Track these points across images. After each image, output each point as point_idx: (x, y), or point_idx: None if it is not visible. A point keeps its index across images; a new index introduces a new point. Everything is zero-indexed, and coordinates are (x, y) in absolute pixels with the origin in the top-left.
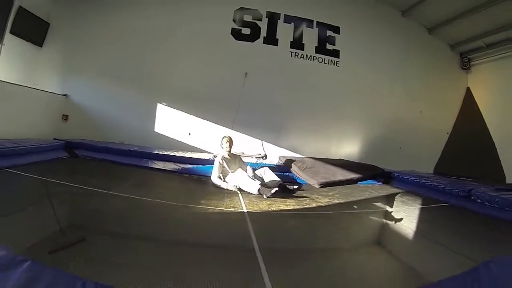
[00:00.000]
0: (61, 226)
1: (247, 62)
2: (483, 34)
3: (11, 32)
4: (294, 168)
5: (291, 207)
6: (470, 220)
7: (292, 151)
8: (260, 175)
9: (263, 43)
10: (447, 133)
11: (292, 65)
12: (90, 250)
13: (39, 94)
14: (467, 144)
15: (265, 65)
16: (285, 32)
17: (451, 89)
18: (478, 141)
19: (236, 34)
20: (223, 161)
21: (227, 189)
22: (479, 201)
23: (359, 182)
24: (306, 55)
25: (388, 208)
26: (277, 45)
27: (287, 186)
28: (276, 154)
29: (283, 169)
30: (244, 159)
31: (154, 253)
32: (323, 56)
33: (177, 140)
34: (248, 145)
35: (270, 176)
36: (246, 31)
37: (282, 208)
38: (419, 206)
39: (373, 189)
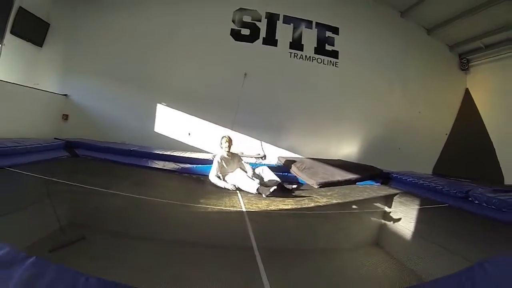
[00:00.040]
0: (61, 225)
1: (246, 63)
2: (482, 34)
3: (12, 32)
4: (293, 169)
5: (289, 207)
6: (467, 221)
7: (291, 152)
8: (259, 174)
9: (263, 43)
10: (446, 134)
11: (292, 65)
12: (90, 249)
13: (40, 94)
14: (466, 145)
15: (264, 65)
16: (284, 33)
17: (450, 90)
18: (477, 142)
19: (236, 35)
20: (222, 160)
21: (225, 188)
22: (476, 202)
23: (357, 183)
24: (305, 56)
25: (386, 209)
26: (276, 45)
27: (286, 185)
28: (275, 154)
29: (282, 169)
30: (243, 159)
31: (153, 252)
32: (322, 57)
33: (177, 140)
34: (247, 145)
35: (269, 175)
36: (245, 31)
37: (280, 207)
38: (417, 207)
39: (372, 189)
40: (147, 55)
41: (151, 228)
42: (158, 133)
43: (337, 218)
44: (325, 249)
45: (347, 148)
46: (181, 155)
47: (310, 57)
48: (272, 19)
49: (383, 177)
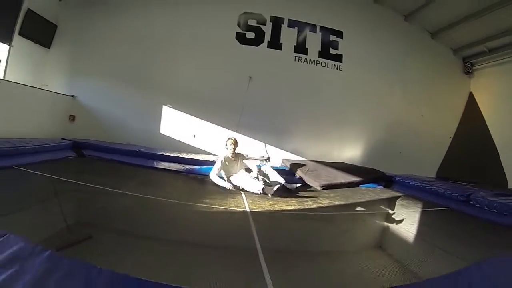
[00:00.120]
0: (68, 224)
1: (251, 66)
2: (486, 38)
3: (20, 34)
4: (297, 171)
5: (292, 208)
6: (469, 224)
7: (295, 154)
8: (264, 172)
9: (267, 47)
10: (450, 137)
11: (296, 69)
12: (97, 247)
13: (47, 95)
14: (469, 148)
15: (269, 69)
16: (289, 36)
17: (454, 94)
18: (481, 145)
19: (241, 38)
20: (226, 160)
21: (223, 187)
22: (478, 205)
23: (360, 185)
24: (310, 60)
25: (388, 211)
26: (281, 49)
27: (288, 186)
28: (279, 157)
29: (286, 172)
30: (247, 162)
31: (158, 251)
32: (326, 61)
33: (182, 142)
34: (251, 147)
35: (274, 174)
36: (250, 35)
37: (284, 208)
38: (419, 210)
39: (374, 192)
40: (153, 58)
41: (156, 227)
42: (163, 134)
43: (339, 219)
44: (326, 249)
45: (350, 151)
46: (187, 156)
47: (314, 60)
48: (277, 22)
49: (386, 180)
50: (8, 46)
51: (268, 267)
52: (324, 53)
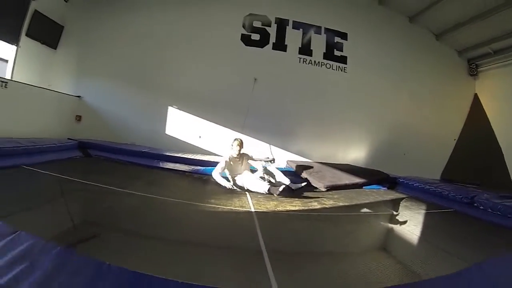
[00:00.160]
0: (77, 222)
1: (256, 68)
2: (491, 40)
3: (27, 35)
4: (301, 172)
5: (297, 208)
6: (472, 226)
7: (300, 156)
8: (270, 171)
9: (272, 49)
10: (455, 139)
11: (301, 71)
12: (103, 246)
13: (54, 95)
14: (474, 150)
15: (274, 71)
16: (293, 38)
17: (459, 96)
18: (486, 147)
19: (246, 40)
20: (230, 160)
21: (224, 186)
22: (482, 207)
23: (364, 187)
24: (314, 61)
25: (391, 212)
26: (286, 51)
27: (293, 186)
28: (284, 158)
29: (290, 173)
30: (253, 162)
31: (162, 250)
32: (331, 62)
33: (188, 143)
34: (256, 149)
35: (279, 175)
36: (255, 37)
37: (288, 208)
38: (422, 211)
39: (378, 194)
40: (159, 59)
41: (162, 227)
42: (169, 135)
43: (343, 220)
44: (331, 250)
45: (355, 153)
46: (192, 157)
47: (319, 62)
48: (281, 24)
49: (390, 182)
50: (16, 47)
51: (273, 267)
52: (328, 55)
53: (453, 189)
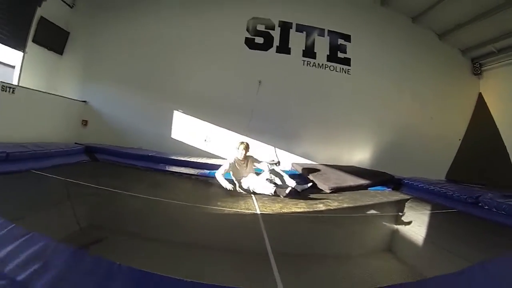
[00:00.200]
0: (85, 225)
1: (260, 71)
2: (494, 39)
3: (33, 41)
4: (306, 174)
5: (302, 210)
6: (477, 226)
7: (305, 158)
8: (278, 172)
9: (276, 52)
10: (459, 139)
11: (305, 73)
12: (110, 248)
13: (60, 100)
14: (479, 150)
15: (278, 73)
16: (297, 41)
17: (463, 95)
18: (491, 147)
19: (250, 43)
20: (235, 162)
21: (224, 187)
22: (486, 207)
23: (369, 188)
24: (318, 64)
25: (396, 213)
26: (289, 53)
27: (299, 188)
28: (289, 160)
29: (295, 176)
30: (258, 165)
31: (169, 252)
32: (335, 64)
33: (193, 146)
34: (261, 151)
35: (285, 177)
36: (259, 40)
37: (293, 210)
38: (426, 212)
39: (382, 195)
40: (164, 63)
41: (168, 229)
42: (175, 139)
43: (348, 221)
44: (336, 251)
45: (360, 155)
46: (198, 160)
47: (322, 64)
48: (285, 27)
49: (395, 183)
50: (22, 53)
51: (279, 269)
52: (332, 57)
53: (457, 189)
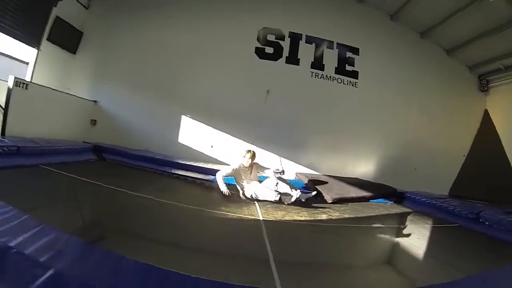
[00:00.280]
0: (90, 221)
1: (269, 80)
2: (502, 56)
3: (48, 39)
4: (309, 184)
5: (304, 218)
6: (477, 241)
7: (309, 168)
8: (283, 178)
9: (285, 62)
10: (464, 155)
11: (313, 85)
12: (114, 247)
13: (71, 99)
14: (483, 167)
15: (286, 84)
16: (306, 52)
17: (469, 111)
18: (495, 163)
19: (260, 53)
20: (240, 168)
21: (221, 190)
22: (487, 223)
23: (371, 200)
24: (326, 76)
25: (396, 226)
26: (298, 64)
27: (303, 198)
28: (293, 170)
29: (299, 186)
30: (263, 173)
31: (170, 254)
32: (343, 77)
33: (200, 152)
34: (267, 160)
35: (290, 186)
36: (269, 50)
37: (295, 218)
38: (426, 226)
39: (384, 207)
40: (175, 68)
41: (172, 231)
42: (181, 143)
43: (348, 232)
44: (336, 261)
45: (364, 167)
46: (204, 166)
47: (330, 76)
48: (295, 38)
49: (397, 196)
50: (37, 50)
51: (279, 275)
52: (340, 70)
53: (459, 205)
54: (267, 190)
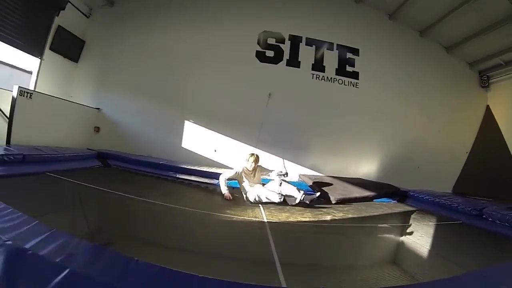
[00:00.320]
0: (97, 226)
1: (270, 83)
2: (501, 51)
3: (51, 48)
4: (312, 185)
5: (307, 219)
6: (480, 237)
7: (312, 170)
8: (287, 182)
9: (286, 65)
10: (466, 152)
11: (314, 86)
12: (123, 250)
13: (75, 107)
14: (487, 163)
15: (287, 86)
16: (307, 54)
17: (470, 108)
18: (498, 160)
19: (261, 57)
20: (243, 172)
21: (222, 192)
22: (490, 219)
23: (374, 200)
24: (327, 77)
25: (399, 224)
26: (299, 67)
27: (307, 200)
28: (296, 172)
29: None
30: (267, 176)
31: (176, 257)
32: (343, 78)
33: (203, 156)
34: (270, 162)
35: (293, 188)
36: (270, 53)
37: (299, 219)
38: (430, 223)
39: (387, 206)
40: (176, 74)
41: (177, 234)
42: (185, 148)
43: (352, 232)
44: (340, 260)
45: (367, 167)
46: (208, 170)
47: (331, 78)
48: (295, 41)
49: (400, 195)
50: (40, 60)
51: (285, 275)
52: (341, 71)
53: (462, 202)
54: (270, 192)
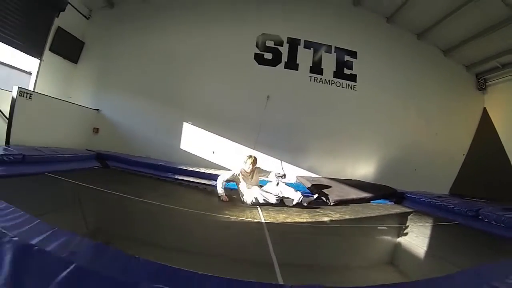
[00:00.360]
0: (96, 227)
1: (269, 86)
2: (498, 54)
3: (50, 49)
4: (310, 187)
5: (305, 220)
6: (476, 238)
7: (310, 171)
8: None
9: (284, 67)
10: (463, 154)
11: (312, 89)
12: (122, 249)
13: (74, 108)
14: (483, 165)
15: (286, 89)
16: (305, 57)
17: (467, 110)
18: (495, 162)
19: (259, 59)
20: (241, 174)
21: (218, 193)
22: (486, 220)
23: (371, 201)
24: (325, 80)
25: (395, 225)
26: (297, 69)
27: (305, 202)
28: (294, 174)
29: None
30: (264, 177)
31: (174, 258)
32: (341, 81)
33: (201, 158)
34: (268, 164)
35: (291, 189)
36: (268, 56)
37: (297, 220)
38: (426, 224)
39: (384, 208)
40: (175, 76)
41: (175, 235)
42: (183, 150)
43: (348, 232)
44: (336, 261)
45: (364, 169)
46: (206, 171)
47: (329, 80)
48: (293, 43)
49: (397, 197)
50: (39, 61)
51: (283, 276)
52: (338, 73)
53: (458, 203)
54: (268, 194)
